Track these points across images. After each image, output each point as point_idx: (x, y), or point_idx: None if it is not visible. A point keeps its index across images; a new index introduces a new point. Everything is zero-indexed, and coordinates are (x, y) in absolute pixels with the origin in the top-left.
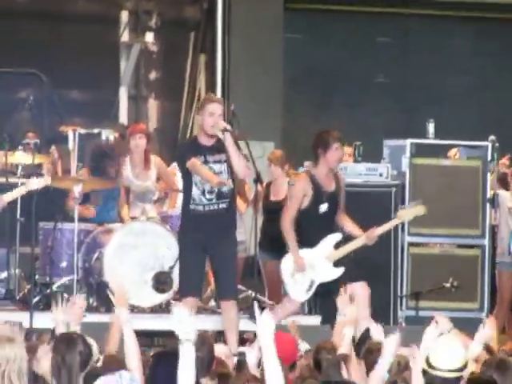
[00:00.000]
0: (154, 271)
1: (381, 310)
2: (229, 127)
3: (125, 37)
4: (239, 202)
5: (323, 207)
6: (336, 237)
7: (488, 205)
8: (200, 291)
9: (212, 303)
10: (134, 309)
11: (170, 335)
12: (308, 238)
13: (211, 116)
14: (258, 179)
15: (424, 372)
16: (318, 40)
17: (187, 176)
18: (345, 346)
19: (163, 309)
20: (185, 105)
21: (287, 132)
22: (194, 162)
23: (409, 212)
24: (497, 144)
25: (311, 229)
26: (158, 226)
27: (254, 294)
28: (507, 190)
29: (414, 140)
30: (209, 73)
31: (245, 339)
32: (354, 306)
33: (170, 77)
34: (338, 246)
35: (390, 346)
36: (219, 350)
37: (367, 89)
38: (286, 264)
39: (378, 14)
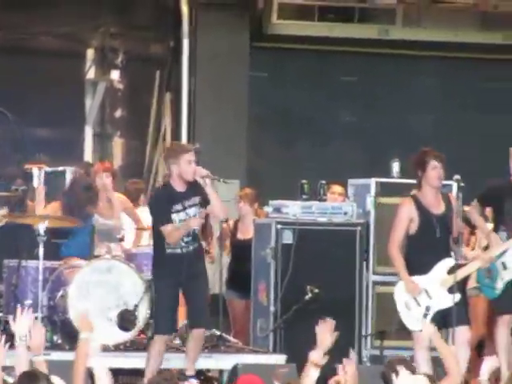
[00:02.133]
0: (119, 309)
1: (345, 349)
2: (209, 174)
3: (90, 74)
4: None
5: (434, 231)
6: (449, 261)
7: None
8: (172, 332)
9: (177, 341)
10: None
11: (135, 373)
12: (419, 265)
13: (190, 164)
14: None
15: None
16: (283, 79)
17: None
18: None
19: (127, 347)
20: (150, 143)
21: (253, 170)
22: (169, 230)
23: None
24: (462, 184)
25: (422, 255)
26: (123, 264)
27: (219, 333)
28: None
29: (379, 179)
30: (174, 111)
31: (209, 377)
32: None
33: (135, 115)
34: (451, 271)
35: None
36: None
37: (332, 128)
38: (400, 293)
39: (343, 52)
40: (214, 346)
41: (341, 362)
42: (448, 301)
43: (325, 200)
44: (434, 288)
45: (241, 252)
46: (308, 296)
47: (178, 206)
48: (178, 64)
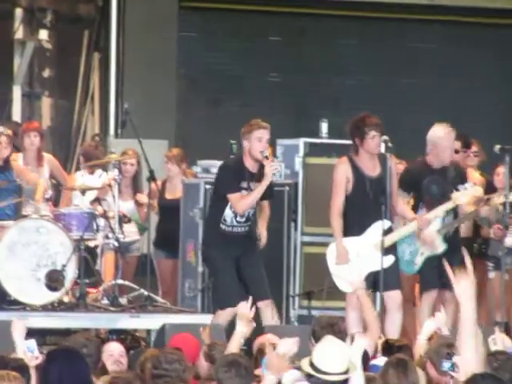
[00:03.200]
0: (47, 269)
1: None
2: (270, 158)
3: (19, 34)
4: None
5: (368, 193)
6: (384, 224)
7: None
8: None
9: (105, 301)
10: (26, 307)
11: (63, 333)
12: (353, 225)
13: (260, 141)
14: (151, 177)
15: (309, 376)
16: (212, 38)
17: (223, 197)
18: (234, 344)
19: (55, 307)
20: (78, 103)
21: (181, 130)
22: (238, 197)
23: (464, 193)
24: (390, 144)
25: (356, 216)
26: (51, 224)
27: (147, 293)
28: None
29: (307, 139)
30: (103, 71)
31: (137, 337)
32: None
33: (63, 75)
34: (386, 233)
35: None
36: (113, 347)
37: (261, 87)
38: (331, 255)
39: (271, 13)
40: (141, 306)
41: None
42: (380, 263)
43: None
44: (367, 250)
45: (169, 212)
46: None
47: (244, 184)
48: (106, 24)
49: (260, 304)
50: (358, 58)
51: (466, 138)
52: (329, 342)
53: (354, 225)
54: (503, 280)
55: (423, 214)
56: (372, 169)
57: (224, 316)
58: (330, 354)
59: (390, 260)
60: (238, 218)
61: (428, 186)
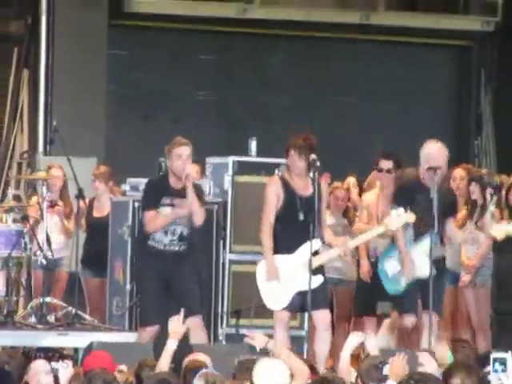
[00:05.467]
0: None
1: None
2: (191, 175)
3: None
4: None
5: (297, 213)
6: (315, 244)
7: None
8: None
9: (32, 319)
10: None
11: None
12: (284, 244)
13: (180, 159)
14: (80, 195)
15: None
16: (142, 57)
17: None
18: (164, 361)
19: None
20: (7, 120)
21: (111, 148)
22: (150, 216)
23: (397, 220)
24: (317, 163)
25: (286, 234)
26: None
27: (74, 311)
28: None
29: (237, 158)
30: (32, 88)
31: (64, 355)
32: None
33: None
34: (316, 252)
35: None
36: (38, 365)
37: (191, 106)
38: (261, 272)
39: (201, 31)
40: (69, 323)
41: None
42: (312, 283)
43: None
44: (296, 269)
45: (96, 230)
46: None
47: (167, 200)
48: (35, 41)
49: (189, 321)
50: (288, 76)
51: (398, 158)
52: (269, 361)
53: (284, 243)
54: (431, 300)
55: (346, 241)
56: (304, 188)
57: (144, 335)
58: (270, 374)
59: (318, 280)
60: (169, 236)
61: (418, 205)
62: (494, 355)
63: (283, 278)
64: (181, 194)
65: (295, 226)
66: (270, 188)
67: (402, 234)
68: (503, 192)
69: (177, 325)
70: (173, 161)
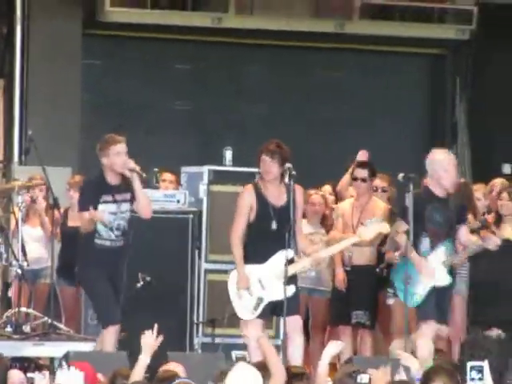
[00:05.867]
0: None
1: (177, 336)
2: (137, 168)
3: None
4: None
5: (270, 222)
6: (287, 254)
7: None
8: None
9: (8, 329)
10: None
11: None
12: (255, 254)
13: (119, 155)
14: (55, 205)
15: None
16: (117, 66)
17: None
18: (137, 373)
19: None
20: None
21: (85, 158)
22: (81, 215)
23: (370, 229)
24: (293, 172)
25: (259, 244)
26: None
27: (50, 321)
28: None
29: (212, 167)
30: (7, 97)
31: (40, 365)
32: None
33: None
34: (288, 263)
35: None
36: (14, 375)
37: (166, 115)
38: (232, 281)
39: (176, 40)
40: (44, 333)
41: (173, 349)
42: (281, 293)
43: (157, 188)
44: (268, 279)
45: (71, 239)
46: (140, 284)
47: (108, 197)
48: (10, 50)
49: (109, 328)
50: (264, 86)
51: (373, 167)
52: (242, 368)
53: (257, 253)
54: (407, 307)
55: (318, 250)
56: (277, 197)
57: (108, 336)
58: (243, 381)
59: (291, 290)
60: (115, 232)
61: (430, 214)
62: (471, 363)
63: (254, 287)
64: (120, 189)
65: (268, 235)
66: (243, 197)
67: (405, 244)
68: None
69: (150, 339)
70: (111, 159)
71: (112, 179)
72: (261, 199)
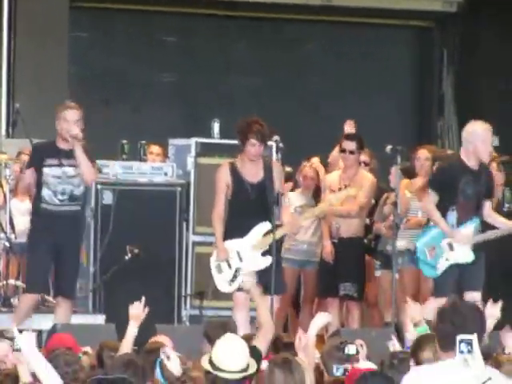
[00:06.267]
0: None
1: (165, 309)
2: (79, 135)
3: None
4: None
5: (248, 197)
6: (265, 225)
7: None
8: (45, 288)
9: None
10: None
11: None
12: (235, 228)
13: (67, 121)
14: None
15: (207, 372)
16: (103, 38)
17: (38, 175)
18: (126, 345)
19: None
20: None
21: None
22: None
23: (338, 195)
24: (281, 144)
25: (237, 219)
26: None
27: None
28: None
29: (199, 139)
30: None
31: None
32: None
33: None
34: (267, 234)
35: None
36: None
37: (153, 88)
38: (214, 255)
39: (163, 12)
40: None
41: (161, 322)
42: (260, 263)
43: (145, 160)
44: (246, 251)
45: None
46: (128, 256)
47: (53, 161)
48: None
49: (59, 299)
50: (253, 58)
51: (361, 139)
52: (228, 339)
53: (237, 228)
54: (394, 279)
55: (297, 218)
56: (254, 174)
57: (23, 302)
58: (230, 351)
59: (267, 261)
60: (59, 196)
61: (463, 188)
62: (460, 337)
63: (233, 260)
64: (68, 154)
65: (247, 210)
66: (218, 176)
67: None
68: None
69: (138, 309)
70: (60, 123)
71: (61, 144)
72: (236, 176)
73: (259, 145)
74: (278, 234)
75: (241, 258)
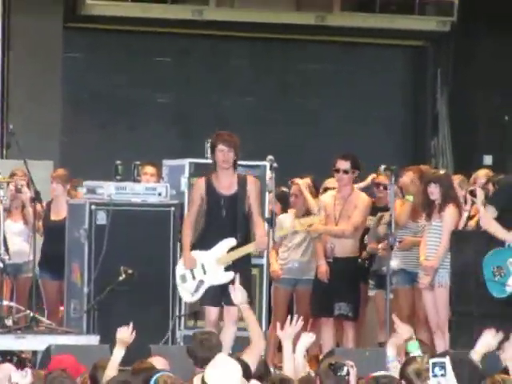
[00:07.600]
0: None
1: (159, 330)
2: None
3: None
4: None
5: (220, 211)
6: (230, 242)
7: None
8: None
9: None
10: None
11: None
12: (204, 241)
13: None
14: (37, 198)
15: None
16: (98, 60)
17: None
18: (111, 368)
19: None
20: None
21: (67, 151)
22: None
23: (302, 221)
24: (275, 164)
25: (208, 232)
26: None
27: (32, 314)
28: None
29: (193, 160)
30: None
31: (23, 359)
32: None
33: None
34: (231, 250)
35: None
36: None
37: (148, 109)
38: (180, 266)
39: (157, 33)
40: (27, 327)
41: (156, 342)
42: (222, 278)
43: (139, 181)
44: (210, 264)
45: (53, 233)
46: (122, 277)
47: None
48: None
49: None
50: (245, 78)
51: (355, 159)
52: (221, 362)
53: (207, 239)
54: (389, 299)
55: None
56: (228, 187)
57: None
58: (224, 376)
59: (229, 276)
60: None
61: None
62: (433, 360)
63: (197, 271)
64: None
65: (219, 223)
66: (194, 188)
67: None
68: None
69: (125, 333)
70: None
71: None
72: (211, 190)
73: (228, 150)
74: (244, 250)
75: (205, 271)
